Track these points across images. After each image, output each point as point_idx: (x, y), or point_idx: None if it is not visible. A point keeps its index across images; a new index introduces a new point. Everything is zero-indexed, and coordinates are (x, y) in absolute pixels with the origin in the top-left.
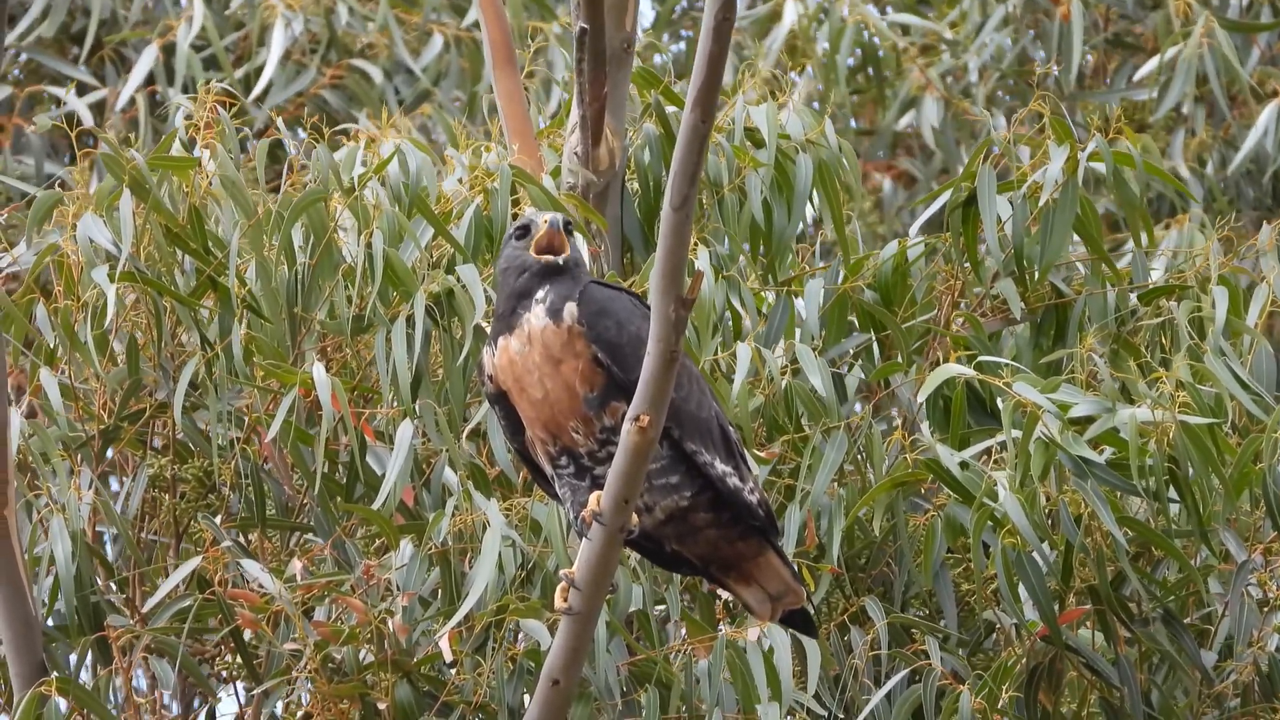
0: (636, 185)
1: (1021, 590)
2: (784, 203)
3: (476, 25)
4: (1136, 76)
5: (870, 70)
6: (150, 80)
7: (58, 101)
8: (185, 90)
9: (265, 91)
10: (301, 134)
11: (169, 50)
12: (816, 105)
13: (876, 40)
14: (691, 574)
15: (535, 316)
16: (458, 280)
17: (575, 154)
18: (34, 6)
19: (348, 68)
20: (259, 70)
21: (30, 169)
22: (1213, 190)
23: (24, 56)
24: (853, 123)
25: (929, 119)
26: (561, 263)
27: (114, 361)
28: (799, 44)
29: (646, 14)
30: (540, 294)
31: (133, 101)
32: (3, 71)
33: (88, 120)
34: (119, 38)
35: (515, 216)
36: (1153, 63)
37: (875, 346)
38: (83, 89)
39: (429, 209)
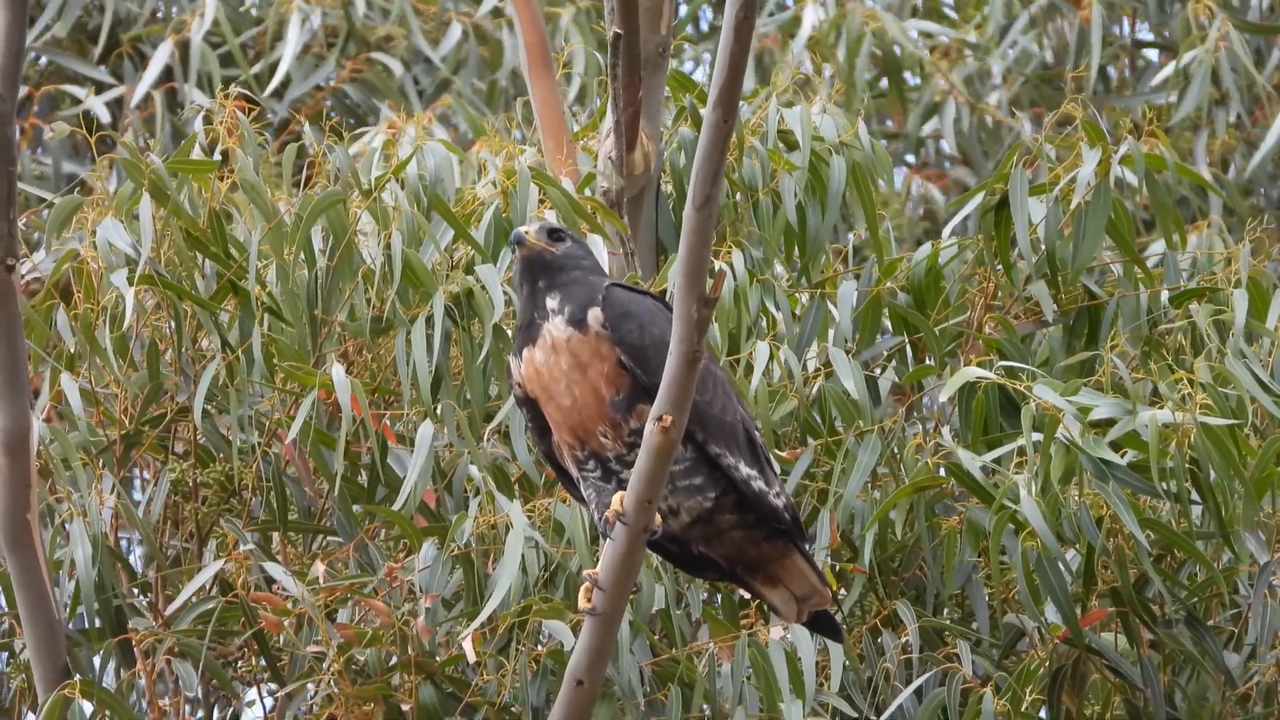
0: (671, 189)
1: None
2: (818, 205)
3: (494, 14)
4: (1156, 80)
5: (890, 78)
6: (167, 77)
7: (76, 100)
8: (200, 86)
9: (283, 86)
10: (319, 131)
11: (185, 46)
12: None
13: (896, 49)
14: (717, 579)
15: (555, 328)
16: (477, 281)
17: (610, 159)
18: (50, 7)
19: (367, 60)
20: (275, 65)
21: (49, 169)
22: (1234, 194)
23: (43, 60)
24: (888, 123)
25: (951, 124)
26: (542, 256)
27: (134, 367)
28: (819, 51)
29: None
30: (553, 303)
31: (149, 98)
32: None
33: (106, 120)
34: (134, 34)
35: (538, 217)
36: (1171, 66)
37: (908, 349)
38: (100, 87)
39: (448, 210)
